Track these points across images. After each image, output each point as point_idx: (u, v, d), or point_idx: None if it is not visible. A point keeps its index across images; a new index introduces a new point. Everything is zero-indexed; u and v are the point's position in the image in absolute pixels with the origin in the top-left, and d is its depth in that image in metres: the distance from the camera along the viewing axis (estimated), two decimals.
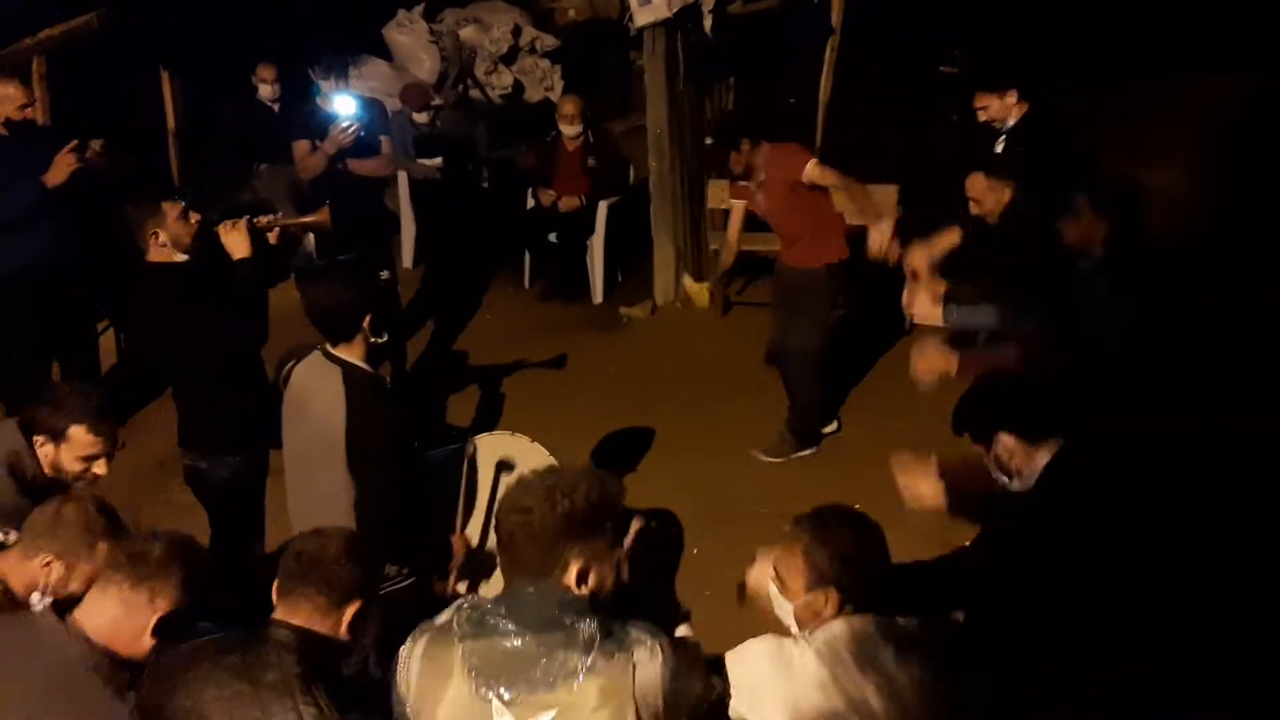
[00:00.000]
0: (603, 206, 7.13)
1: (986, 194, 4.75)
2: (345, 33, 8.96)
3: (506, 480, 3.75)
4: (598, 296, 7.29)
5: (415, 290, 7.38)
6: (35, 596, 2.62)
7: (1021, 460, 2.80)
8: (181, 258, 3.82)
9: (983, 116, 5.25)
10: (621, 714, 2.14)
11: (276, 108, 7.09)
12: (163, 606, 2.44)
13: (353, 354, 3.35)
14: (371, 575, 2.55)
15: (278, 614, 2.40)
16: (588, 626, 2.15)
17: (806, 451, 5.47)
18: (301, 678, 2.27)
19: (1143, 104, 7.56)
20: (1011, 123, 5.22)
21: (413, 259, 7.64)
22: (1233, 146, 6.69)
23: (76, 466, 3.20)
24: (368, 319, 3.33)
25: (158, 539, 2.53)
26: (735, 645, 2.48)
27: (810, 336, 5.32)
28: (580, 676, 2.12)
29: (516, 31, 9.59)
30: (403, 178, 7.47)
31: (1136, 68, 7.66)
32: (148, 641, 2.44)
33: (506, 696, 2.13)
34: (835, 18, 7.31)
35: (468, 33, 9.45)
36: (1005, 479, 2.84)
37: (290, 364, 3.48)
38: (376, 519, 3.26)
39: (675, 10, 6.33)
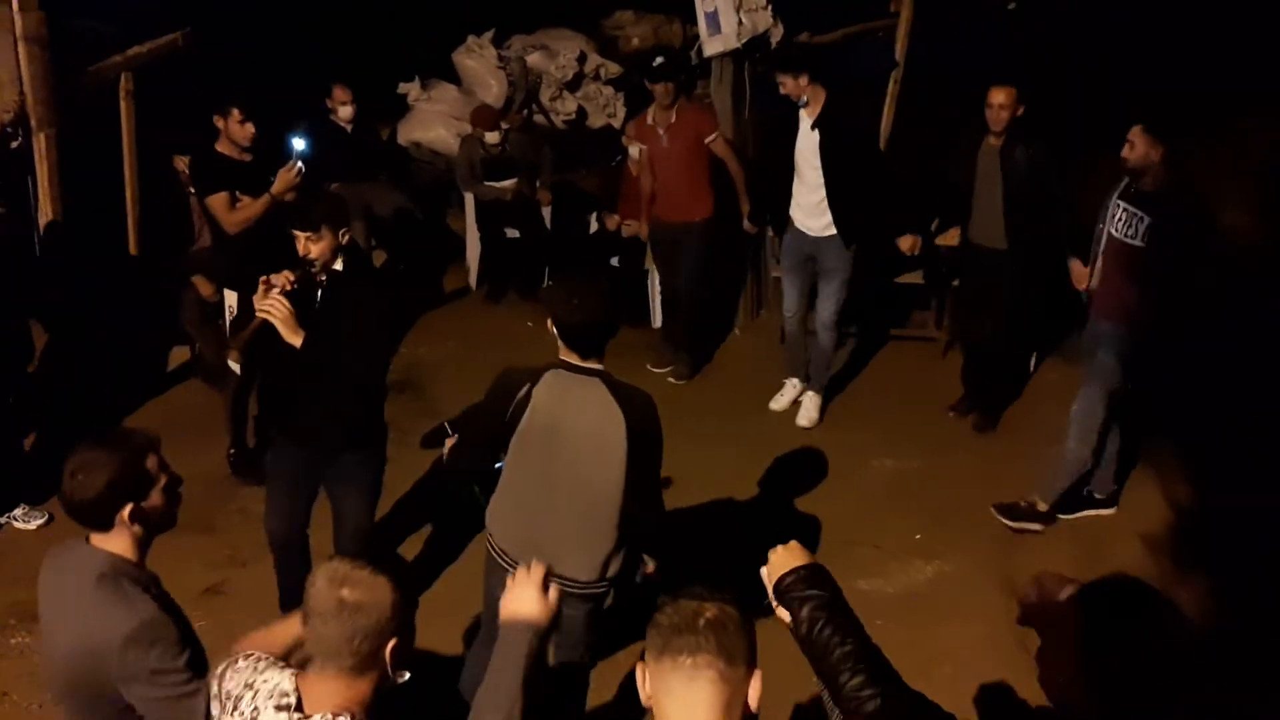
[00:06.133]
0: None
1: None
2: (416, 56, 9.18)
3: None
4: (656, 321, 7.35)
5: (479, 310, 7.50)
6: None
7: None
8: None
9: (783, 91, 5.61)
10: None
11: (350, 129, 7.24)
12: None
13: (599, 366, 3.38)
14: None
15: None
16: None
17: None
18: None
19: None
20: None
21: (476, 279, 7.75)
22: None
23: None
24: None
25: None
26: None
27: (696, 283, 6.50)
28: None
29: (582, 59, 9.73)
30: (469, 199, 7.59)
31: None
32: None
33: None
34: (899, 50, 7.37)
35: (534, 59, 9.59)
36: None
37: (527, 386, 3.39)
38: (654, 519, 3.40)
39: (744, 41, 6.44)
